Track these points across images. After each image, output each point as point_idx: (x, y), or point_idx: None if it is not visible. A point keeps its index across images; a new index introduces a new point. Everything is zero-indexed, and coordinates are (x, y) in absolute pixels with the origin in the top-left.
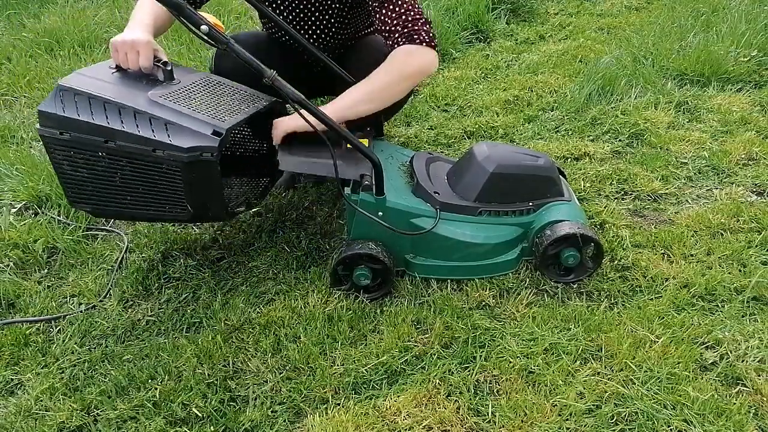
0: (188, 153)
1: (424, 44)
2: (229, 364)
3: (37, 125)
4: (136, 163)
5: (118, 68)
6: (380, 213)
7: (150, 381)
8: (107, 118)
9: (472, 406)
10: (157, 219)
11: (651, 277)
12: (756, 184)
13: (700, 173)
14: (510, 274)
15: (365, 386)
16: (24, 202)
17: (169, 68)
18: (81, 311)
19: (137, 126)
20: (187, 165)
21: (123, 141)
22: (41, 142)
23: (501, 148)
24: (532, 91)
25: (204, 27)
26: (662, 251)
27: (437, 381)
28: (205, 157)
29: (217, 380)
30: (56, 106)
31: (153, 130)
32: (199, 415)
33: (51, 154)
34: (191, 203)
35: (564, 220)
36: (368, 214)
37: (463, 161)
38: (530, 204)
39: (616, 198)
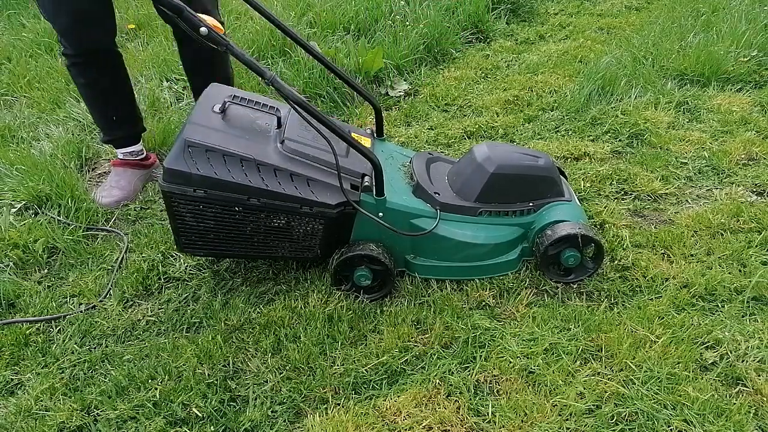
0: (337, 210)
1: None
2: (229, 364)
3: (161, 181)
4: (278, 217)
5: (222, 110)
6: (380, 214)
7: (150, 381)
8: (247, 176)
9: (472, 406)
10: (282, 259)
11: (651, 277)
12: (756, 184)
13: (700, 173)
14: (510, 274)
15: (365, 386)
16: (24, 202)
17: (279, 114)
18: (81, 311)
19: (280, 183)
20: (334, 218)
21: (268, 199)
22: (160, 197)
23: (501, 148)
24: (532, 91)
25: (203, 29)
26: (662, 251)
27: (437, 381)
28: (348, 209)
29: (217, 380)
30: (188, 163)
31: (296, 188)
32: (199, 415)
33: (174, 208)
34: (322, 247)
35: (564, 221)
36: (370, 215)
37: (464, 162)
38: (530, 204)
39: (616, 198)
